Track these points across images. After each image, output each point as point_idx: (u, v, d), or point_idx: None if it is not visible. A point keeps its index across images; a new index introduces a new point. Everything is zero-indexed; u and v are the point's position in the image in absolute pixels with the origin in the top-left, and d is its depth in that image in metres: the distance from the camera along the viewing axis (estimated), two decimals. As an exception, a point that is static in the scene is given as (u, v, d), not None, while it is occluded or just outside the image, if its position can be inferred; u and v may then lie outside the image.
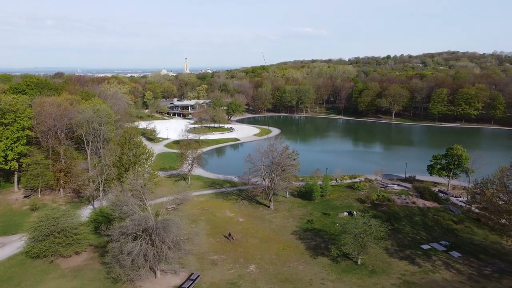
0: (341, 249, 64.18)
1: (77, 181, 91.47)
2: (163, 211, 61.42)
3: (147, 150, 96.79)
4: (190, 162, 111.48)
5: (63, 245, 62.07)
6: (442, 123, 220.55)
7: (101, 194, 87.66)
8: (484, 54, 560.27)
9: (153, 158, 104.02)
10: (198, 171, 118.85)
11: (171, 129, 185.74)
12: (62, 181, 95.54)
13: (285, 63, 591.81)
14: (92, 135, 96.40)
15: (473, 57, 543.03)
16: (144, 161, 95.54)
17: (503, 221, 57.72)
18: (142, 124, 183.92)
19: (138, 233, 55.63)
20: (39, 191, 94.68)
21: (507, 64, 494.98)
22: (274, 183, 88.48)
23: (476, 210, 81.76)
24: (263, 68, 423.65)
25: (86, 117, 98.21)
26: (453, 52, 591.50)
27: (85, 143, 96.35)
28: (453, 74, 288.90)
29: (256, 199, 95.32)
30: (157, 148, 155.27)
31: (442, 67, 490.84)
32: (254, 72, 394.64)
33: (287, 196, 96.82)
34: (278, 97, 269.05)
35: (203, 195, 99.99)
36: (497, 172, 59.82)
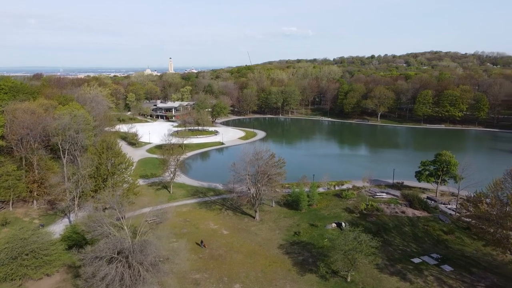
0: (330, 266, 61.26)
1: (51, 192, 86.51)
2: (141, 228, 57.48)
3: (126, 159, 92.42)
4: (172, 170, 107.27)
5: (32, 267, 57.61)
6: (427, 125, 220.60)
7: (76, 208, 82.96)
8: (466, 54, 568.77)
9: (133, 168, 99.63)
10: (181, 178, 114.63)
11: (154, 132, 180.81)
12: (35, 193, 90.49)
13: (270, 62, 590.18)
14: (69, 143, 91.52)
15: (455, 57, 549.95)
16: (123, 170, 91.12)
17: (498, 232, 55.64)
18: (124, 128, 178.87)
19: (114, 255, 51.66)
20: (11, 203, 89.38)
21: (488, 64, 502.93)
22: (260, 193, 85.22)
23: (466, 219, 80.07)
24: (248, 68, 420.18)
25: (63, 124, 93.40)
26: (436, 52, 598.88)
27: (61, 151, 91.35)
28: (437, 75, 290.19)
29: (241, 209, 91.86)
30: (139, 153, 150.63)
31: (425, 67, 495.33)
32: (239, 72, 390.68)
33: (273, 205, 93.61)
34: (263, 98, 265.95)
35: (185, 205, 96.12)
36: (491, 186, 57.74)
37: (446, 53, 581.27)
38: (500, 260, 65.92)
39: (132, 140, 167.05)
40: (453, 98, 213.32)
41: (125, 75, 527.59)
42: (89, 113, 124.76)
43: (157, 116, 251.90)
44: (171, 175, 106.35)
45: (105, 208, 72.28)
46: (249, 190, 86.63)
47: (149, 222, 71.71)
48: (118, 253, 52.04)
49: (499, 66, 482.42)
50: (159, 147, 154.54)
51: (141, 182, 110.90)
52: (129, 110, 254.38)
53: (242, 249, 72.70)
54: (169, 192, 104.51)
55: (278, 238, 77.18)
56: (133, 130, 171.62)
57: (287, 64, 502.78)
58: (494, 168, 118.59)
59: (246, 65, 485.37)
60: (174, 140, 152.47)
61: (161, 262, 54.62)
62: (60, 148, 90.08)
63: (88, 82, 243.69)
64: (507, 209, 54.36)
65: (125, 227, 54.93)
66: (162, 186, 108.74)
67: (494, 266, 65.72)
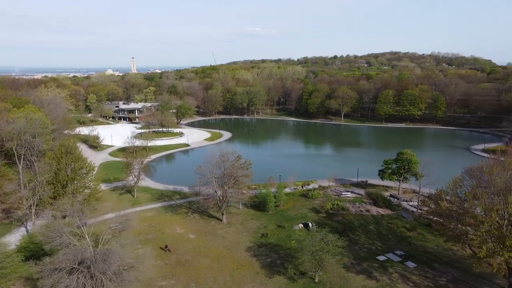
0: (298, 268, 61.43)
1: (6, 200, 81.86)
2: (104, 236, 55.32)
3: (87, 164, 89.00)
4: (136, 173, 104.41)
5: (-15, 282, 54.18)
6: (389, 124, 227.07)
7: (33, 217, 78.95)
8: (423, 54, 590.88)
9: (94, 172, 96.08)
10: (145, 182, 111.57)
11: (116, 135, 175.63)
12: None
13: (235, 62, 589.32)
14: (25, 147, 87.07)
15: (413, 58, 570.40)
16: (84, 175, 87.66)
17: (457, 228, 57.67)
18: (84, 131, 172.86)
19: (74, 266, 49.38)
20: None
21: (444, 64, 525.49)
22: (227, 196, 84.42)
23: (427, 216, 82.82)
24: (213, 68, 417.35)
25: (17, 128, 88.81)
26: (395, 53, 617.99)
27: (16, 157, 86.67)
28: (397, 75, 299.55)
29: (208, 212, 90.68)
30: (101, 157, 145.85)
31: (385, 67, 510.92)
32: (204, 73, 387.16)
33: (240, 207, 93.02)
34: (229, 99, 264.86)
35: (150, 210, 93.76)
36: (450, 183, 59.81)
37: (405, 53, 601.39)
38: (459, 255, 68.35)
39: (94, 143, 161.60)
40: (413, 98, 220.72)
41: (86, 75, 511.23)
42: (47, 116, 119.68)
43: (120, 118, 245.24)
44: (135, 179, 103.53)
45: (65, 216, 69.24)
46: (216, 193, 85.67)
47: (112, 228, 69.29)
48: (79, 264, 49.79)
49: (453, 66, 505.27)
50: (122, 150, 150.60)
51: (103, 186, 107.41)
52: (90, 112, 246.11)
53: (210, 253, 71.67)
54: (133, 196, 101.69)
55: (246, 241, 76.69)
56: (94, 133, 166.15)
57: (251, 64, 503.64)
58: (452, 165, 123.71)
59: (210, 65, 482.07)
60: (138, 143, 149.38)
61: (125, 270, 52.73)
62: (15, 154, 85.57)
63: (46, 83, 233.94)
64: (466, 206, 56.40)
65: (86, 236, 52.73)
66: (125, 190, 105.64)
67: (454, 260, 68.18)
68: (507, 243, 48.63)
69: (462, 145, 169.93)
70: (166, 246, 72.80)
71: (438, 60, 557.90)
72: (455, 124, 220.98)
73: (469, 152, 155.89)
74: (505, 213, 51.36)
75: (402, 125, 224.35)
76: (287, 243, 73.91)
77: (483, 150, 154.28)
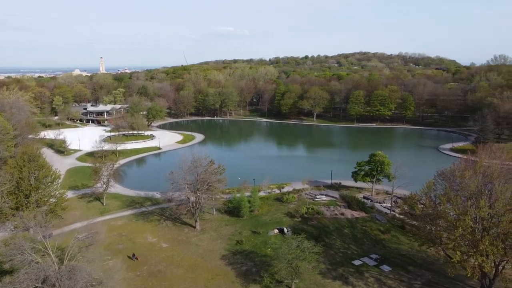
0: (274, 276, 60.24)
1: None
2: (70, 251, 52.29)
3: (52, 172, 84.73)
4: (105, 180, 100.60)
5: None
6: (360, 124, 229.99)
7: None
8: (391, 54, 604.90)
9: (60, 180, 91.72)
10: (115, 188, 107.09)
11: (84, 138, 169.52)
12: None
13: (206, 63, 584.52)
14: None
15: (382, 58, 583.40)
16: (49, 184, 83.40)
17: (432, 231, 57.97)
18: (50, 135, 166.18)
19: (37, 285, 46.31)
20: None
21: (411, 64, 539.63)
22: (200, 202, 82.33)
23: (401, 217, 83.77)
24: (184, 68, 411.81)
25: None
26: (365, 53, 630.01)
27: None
28: (367, 76, 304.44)
29: (181, 219, 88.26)
30: (68, 162, 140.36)
31: (355, 67, 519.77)
32: (175, 73, 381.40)
33: (214, 213, 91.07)
34: (201, 100, 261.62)
35: (121, 217, 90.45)
36: (424, 188, 60.13)
37: (374, 54, 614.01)
38: (433, 257, 69.04)
39: (60, 148, 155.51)
40: (383, 98, 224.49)
41: (52, 75, 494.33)
42: (8, 121, 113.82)
43: (88, 121, 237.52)
44: (104, 185, 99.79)
45: (28, 228, 65.37)
46: (189, 199, 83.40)
47: (80, 239, 65.97)
48: (42, 282, 46.76)
49: (420, 66, 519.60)
50: (90, 154, 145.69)
51: (70, 194, 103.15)
52: (56, 115, 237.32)
53: (183, 263, 69.47)
54: (102, 204, 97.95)
55: (220, 248, 74.88)
56: (61, 137, 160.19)
57: (223, 65, 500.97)
58: (422, 165, 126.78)
59: (182, 65, 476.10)
60: (107, 147, 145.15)
61: (93, 287, 50.11)
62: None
63: (8, 85, 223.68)
64: (440, 209, 56.75)
65: (50, 252, 49.62)
66: (94, 197, 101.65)
67: (428, 262, 68.81)
68: (481, 247, 49.04)
69: (431, 145, 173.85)
70: (133, 255, 70.51)
71: (405, 60, 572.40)
72: (424, 124, 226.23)
73: (438, 151, 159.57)
74: (478, 217, 51.85)
75: (373, 125, 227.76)
76: (262, 250, 72.63)
77: (452, 149, 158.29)
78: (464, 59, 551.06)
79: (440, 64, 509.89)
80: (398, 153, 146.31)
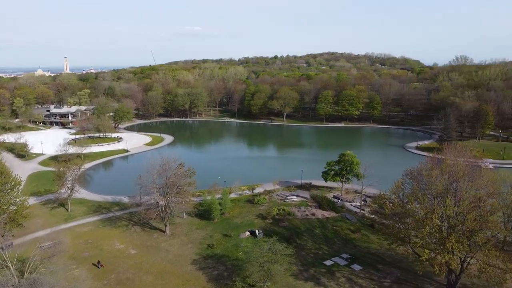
0: (246, 280, 59.59)
1: None
2: (32, 262, 49.80)
3: (12, 178, 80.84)
4: (70, 185, 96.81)
5: None
6: (329, 124, 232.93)
7: None
8: (358, 55, 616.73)
9: (20, 187, 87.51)
10: (80, 193, 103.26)
11: (47, 142, 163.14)
12: None
13: (175, 62, 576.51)
14: None
15: (349, 58, 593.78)
16: (8, 191, 79.42)
17: (401, 230, 59.03)
18: (11, 138, 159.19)
19: (-4, 300, 43.77)
20: None
21: (378, 64, 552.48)
22: (170, 205, 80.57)
23: (370, 216, 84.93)
24: (152, 68, 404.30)
25: None
26: (333, 53, 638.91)
27: None
28: (335, 76, 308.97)
29: (150, 224, 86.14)
30: (30, 167, 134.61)
31: (324, 67, 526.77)
32: (143, 73, 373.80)
33: (185, 217, 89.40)
34: (169, 101, 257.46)
35: (87, 224, 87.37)
36: (393, 188, 61.18)
37: (341, 54, 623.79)
38: (401, 255, 70.32)
39: (21, 152, 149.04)
40: (351, 98, 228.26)
41: (12, 76, 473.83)
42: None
43: (51, 123, 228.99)
44: (69, 191, 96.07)
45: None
46: (158, 203, 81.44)
47: (43, 248, 63.04)
48: (1, 297, 44.21)
49: (386, 66, 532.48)
50: (54, 158, 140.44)
51: (33, 201, 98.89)
52: (16, 117, 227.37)
53: (153, 269, 67.71)
54: (67, 210, 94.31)
55: (191, 253, 73.50)
56: (22, 140, 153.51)
57: (192, 65, 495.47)
58: (390, 163, 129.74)
59: (150, 65, 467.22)
60: (72, 150, 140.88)
61: (57, 299, 47.87)
62: None
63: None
64: (408, 207, 57.85)
65: (10, 264, 47.04)
66: (58, 204, 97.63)
67: (397, 260, 70.09)
68: (447, 245, 50.21)
69: (397, 143, 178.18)
70: (98, 262, 68.35)
71: (372, 60, 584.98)
72: (390, 123, 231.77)
73: (404, 150, 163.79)
74: (444, 215, 53.10)
75: (342, 124, 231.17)
76: (234, 254, 71.84)
77: (417, 148, 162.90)
78: (427, 59, 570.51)
79: (405, 64, 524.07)
80: (366, 152, 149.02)
